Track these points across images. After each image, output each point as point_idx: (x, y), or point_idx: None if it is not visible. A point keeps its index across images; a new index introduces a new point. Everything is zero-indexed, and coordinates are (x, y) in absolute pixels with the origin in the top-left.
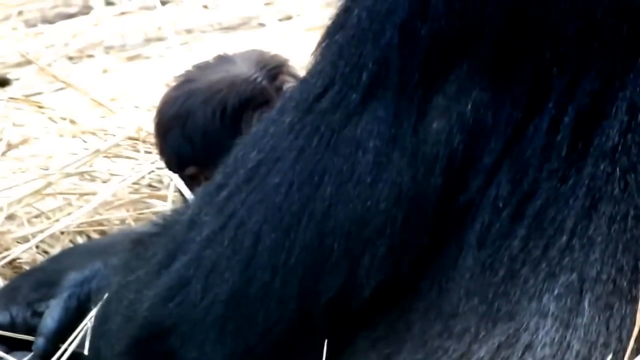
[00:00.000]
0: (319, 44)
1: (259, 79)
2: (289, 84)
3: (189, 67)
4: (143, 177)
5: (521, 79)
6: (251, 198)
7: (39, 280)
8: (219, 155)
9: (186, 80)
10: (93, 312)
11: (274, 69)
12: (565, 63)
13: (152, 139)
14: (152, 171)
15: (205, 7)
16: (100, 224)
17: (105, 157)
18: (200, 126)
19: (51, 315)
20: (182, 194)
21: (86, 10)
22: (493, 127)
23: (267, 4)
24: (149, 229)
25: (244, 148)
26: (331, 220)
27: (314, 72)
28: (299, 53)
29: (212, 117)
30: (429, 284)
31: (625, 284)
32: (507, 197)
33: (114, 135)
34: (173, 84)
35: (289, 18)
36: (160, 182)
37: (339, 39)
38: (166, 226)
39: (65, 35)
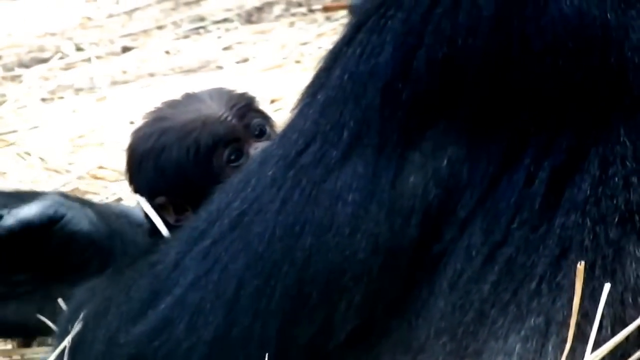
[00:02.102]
0: (300, 101)
1: (229, 118)
2: (256, 120)
3: (159, 105)
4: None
5: (498, 136)
6: (235, 245)
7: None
8: (188, 188)
9: (158, 118)
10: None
11: (243, 107)
12: (543, 122)
13: (115, 175)
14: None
15: (167, 52)
16: None
17: (69, 191)
18: (174, 161)
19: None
20: (147, 217)
21: (59, 55)
22: (468, 181)
23: (225, 48)
24: (128, 262)
25: (227, 197)
26: (310, 268)
27: (295, 128)
28: (255, 92)
29: (186, 154)
30: (398, 321)
31: (588, 329)
32: (480, 245)
33: (70, 172)
34: (144, 120)
35: (246, 60)
36: None
37: (321, 98)
38: (149, 263)
39: (39, 78)
